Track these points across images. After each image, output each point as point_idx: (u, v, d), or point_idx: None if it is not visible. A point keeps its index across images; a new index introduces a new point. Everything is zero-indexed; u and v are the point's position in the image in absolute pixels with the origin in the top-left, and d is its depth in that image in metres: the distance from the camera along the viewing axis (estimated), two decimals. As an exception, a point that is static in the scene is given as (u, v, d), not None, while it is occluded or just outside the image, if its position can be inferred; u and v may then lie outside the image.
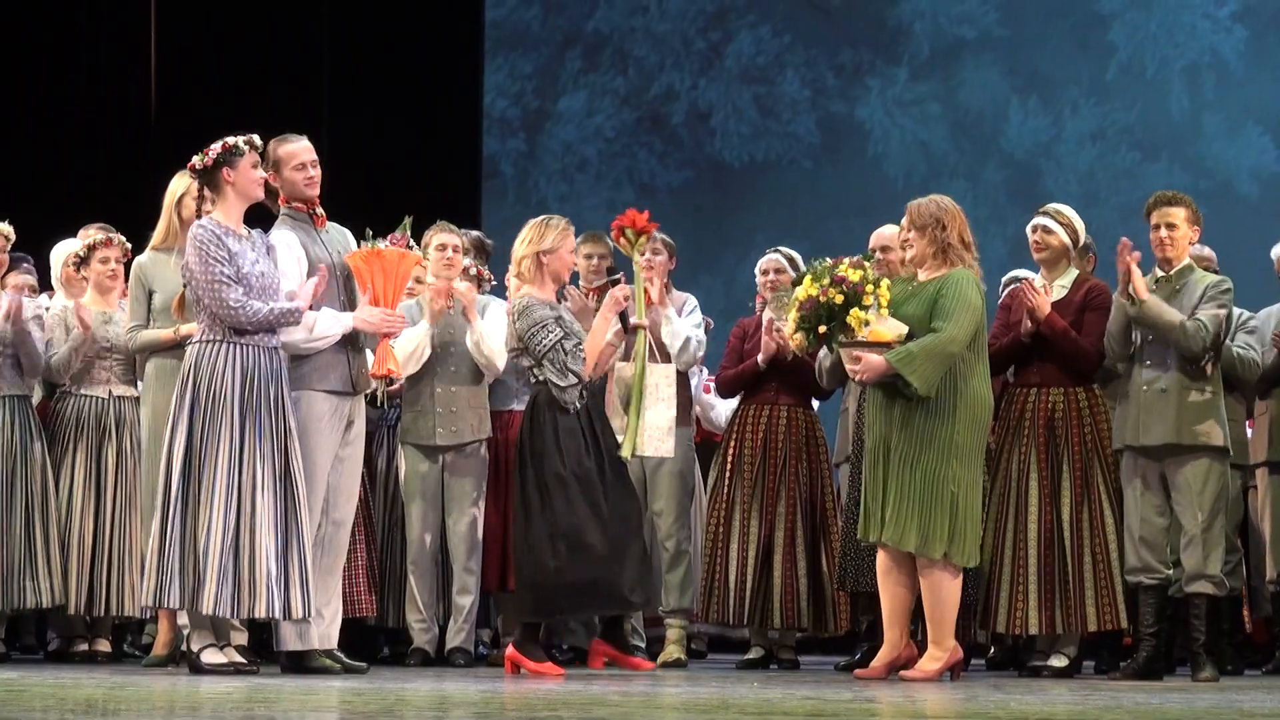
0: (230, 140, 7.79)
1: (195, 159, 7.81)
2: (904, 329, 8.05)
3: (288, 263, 7.92)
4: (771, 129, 14.58)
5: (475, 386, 9.16)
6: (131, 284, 8.79)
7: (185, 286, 7.90)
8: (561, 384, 8.21)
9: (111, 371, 9.24)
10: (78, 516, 9.10)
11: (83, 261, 9.25)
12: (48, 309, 9.33)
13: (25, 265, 9.68)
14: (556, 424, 8.22)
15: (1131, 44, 13.94)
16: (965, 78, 14.23)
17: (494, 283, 9.67)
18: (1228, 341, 8.72)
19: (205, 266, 7.69)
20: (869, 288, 8.02)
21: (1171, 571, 8.44)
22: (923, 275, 8.25)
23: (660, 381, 8.41)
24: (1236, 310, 9.01)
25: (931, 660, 8.14)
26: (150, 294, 8.71)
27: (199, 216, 7.87)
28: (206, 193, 7.86)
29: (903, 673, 8.24)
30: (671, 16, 14.91)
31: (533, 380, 8.34)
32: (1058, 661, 8.64)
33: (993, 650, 9.82)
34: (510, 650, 8.27)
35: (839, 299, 8.03)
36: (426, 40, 14.80)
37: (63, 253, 9.48)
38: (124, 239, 9.24)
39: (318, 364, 8.00)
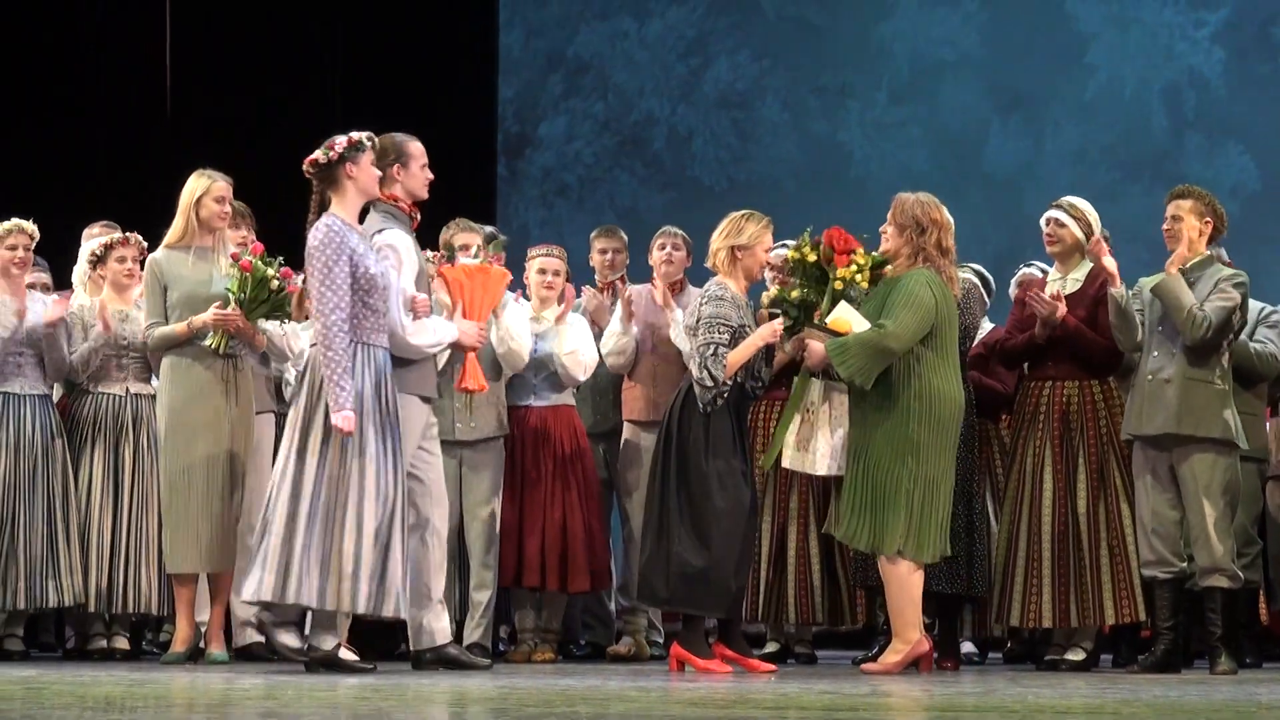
0: (355, 135, 7.71)
1: (318, 154, 7.70)
2: (865, 325, 8.11)
3: (409, 265, 7.91)
4: (752, 153, 14.61)
5: (494, 383, 9.09)
6: (147, 280, 8.76)
7: (304, 281, 7.86)
8: (697, 380, 8.21)
9: (128, 370, 9.19)
10: (96, 514, 9.05)
11: (99, 260, 9.21)
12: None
13: (37, 263, 9.64)
14: (709, 419, 8.22)
15: (1110, 64, 14.00)
16: (945, 99, 14.26)
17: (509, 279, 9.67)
18: (1243, 336, 8.73)
19: (327, 273, 7.57)
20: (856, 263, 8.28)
21: (1187, 564, 8.43)
22: (891, 272, 8.34)
23: (810, 396, 8.41)
24: (1258, 304, 9.03)
25: (892, 653, 8.18)
26: (166, 290, 8.69)
27: (319, 214, 7.71)
28: (320, 189, 7.74)
29: (863, 666, 8.34)
30: (650, 43, 14.93)
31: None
32: (1075, 655, 8.62)
33: (1009, 644, 9.81)
34: (676, 648, 8.26)
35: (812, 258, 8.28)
36: (439, 35, 14.83)
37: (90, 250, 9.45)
38: (140, 237, 9.20)
39: (419, 371, 8.03)
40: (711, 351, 8.19)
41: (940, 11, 14.37)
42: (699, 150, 14.72)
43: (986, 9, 14.30)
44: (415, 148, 8.03)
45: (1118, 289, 8.43)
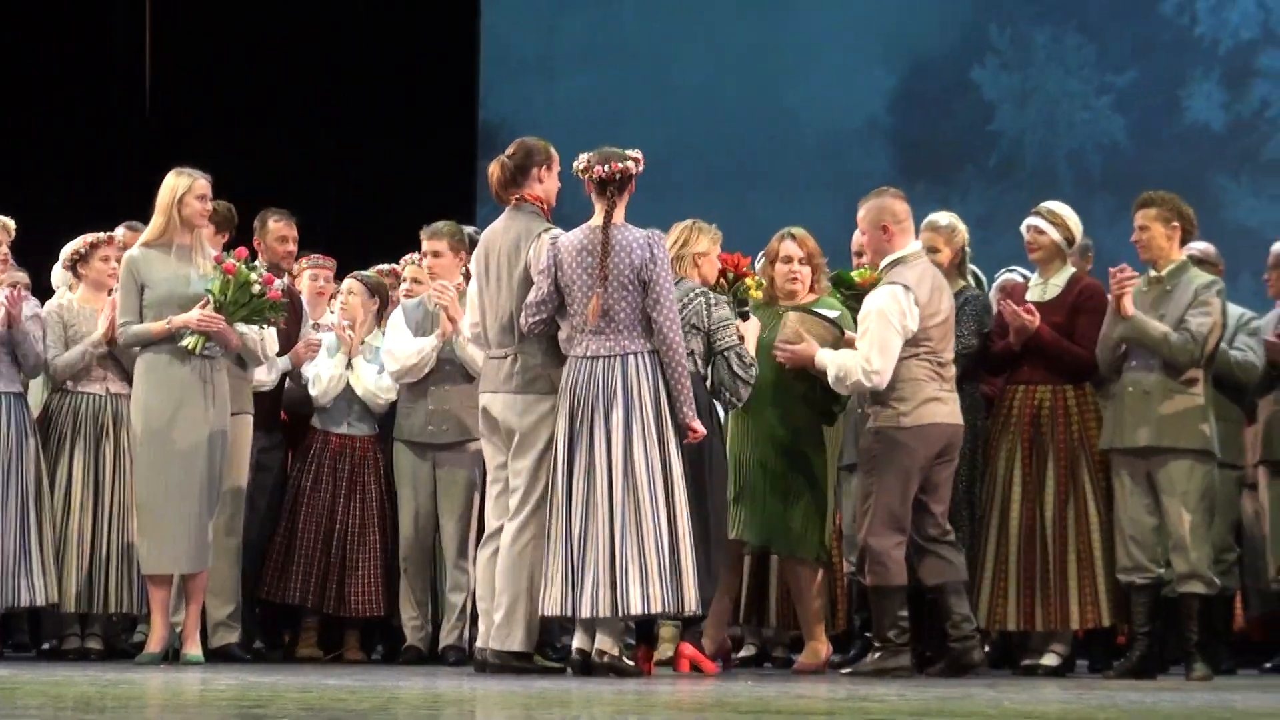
0: (639, 153, 7.94)
1: (629, 164, 7.90)
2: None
3: None
4: (663, 216, 14.60)
5: (468, 387, 9.02)
6: (123, 278, 8.64)
7: (602, 287, 7.81)
8: (745, 379, 8.16)
9: (108, 369, 9.07)
10: (75, 514, 8.95)
11: (82, 259, 9.11)
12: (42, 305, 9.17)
13: (12, 262, 9.49)
14: (711, 418, 8.21)
15: (1014, 131, 14.22)
16: (854, 165, 14.39)
17: None
18: (1223, 345, 8.73)
19: (671, 283, 7.81)
20: None
21: (1164, 570, 8.41)
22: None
23: None
24: (1238, 310, 9.07)
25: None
26: (142, 289, 8.56)
27: (609, 214, 7.90)
28: (611, 196, 7.95)
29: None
30: (559, 106, 14.98)
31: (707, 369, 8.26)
32: (1050, 660, 8.61)
33: (986, 648, 9.73)
34: (687, 648, 8.27)
35: None
36: (422, 39, 14.96)
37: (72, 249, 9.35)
38: (121, 237, 9.12)
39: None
40: (744, 352, 8.19)
41: (850, 79, 14.53)
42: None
43: (893, 76, 14.51)
44: (555, 154, 8.12)
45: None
